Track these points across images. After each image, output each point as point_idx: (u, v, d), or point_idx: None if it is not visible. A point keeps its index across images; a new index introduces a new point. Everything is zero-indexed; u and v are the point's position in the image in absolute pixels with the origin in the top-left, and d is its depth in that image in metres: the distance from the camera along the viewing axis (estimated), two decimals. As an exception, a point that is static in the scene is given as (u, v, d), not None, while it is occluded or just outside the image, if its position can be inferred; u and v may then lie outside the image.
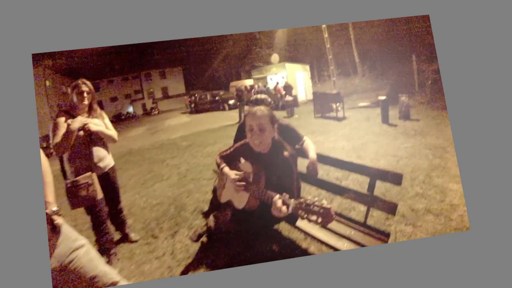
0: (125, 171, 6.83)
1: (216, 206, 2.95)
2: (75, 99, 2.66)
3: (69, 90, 2.72)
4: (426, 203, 3.25)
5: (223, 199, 2.37)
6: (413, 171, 4.32)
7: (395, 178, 2.05)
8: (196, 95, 28.49)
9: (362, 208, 3.15)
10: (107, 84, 52.26)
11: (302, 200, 1.57)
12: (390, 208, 2.06)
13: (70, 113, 2.63)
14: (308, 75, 23.67)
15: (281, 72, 21.46)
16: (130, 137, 15.10)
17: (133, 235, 3.25)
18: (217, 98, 24.28)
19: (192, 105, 26.96)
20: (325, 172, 4.36)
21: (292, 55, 31.47)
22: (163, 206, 4.16)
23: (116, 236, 3.20)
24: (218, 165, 2.29)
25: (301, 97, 21.31)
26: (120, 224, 3.16)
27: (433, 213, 3.03)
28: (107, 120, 2.92)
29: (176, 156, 7.57)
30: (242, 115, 12.77)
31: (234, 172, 2.14)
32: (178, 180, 5.40)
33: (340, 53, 26.87)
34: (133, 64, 53.71)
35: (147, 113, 47.28)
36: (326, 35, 16.30)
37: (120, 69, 54.55)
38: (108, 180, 2.82)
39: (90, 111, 2.78)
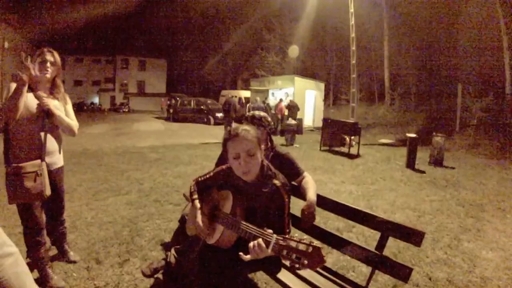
0: (75, 174, 6.77)
1: (180, 239, 2.97)
2: (36, 68, 2.66)
3: (29, 59, 2.70)
4: (449, 272, 3.24)
5: (190, 232, 2.37)
6: (437, 231, 4.35)
7: (414, 237, 2.00)
8: (177, 98, 28.89)
9: (365, 269, 3.16)
10: (73, 62, 52.49)
11: (287, 236, 1.54)
12: (402, 273, 1.99)
13: (29, 86, 2.63)
14: (322, 96, 23.31)
15: (287, 88, 20.98)
16: (89, 135, 15.05)
17: (72, 254, 3.19)
18: (202, 107, 24.55)
19: (171, 111, 27.43)
20: (323, 220, 4.40)
21: (305, 67, 31.68)
22: (115, 226, 4.12)
23: (52, 251, 3.15)
24: (191, 194, 2.29)
25: (308, 123, 21.41)
26: (58, 238, 3.11)
27: (457, 286, 3.02)
28: (69, 106, 2.94)
29: (141, 169, 7.58)
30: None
31: (202, 219, 2.12)
32: (139, 198, 5.38)
33: (367, 72, 27.04)
34: (109, 45, 54.33)
35: (115, 108, 47.22)
36: (353, 48, 16.38)
37: (92, 47, 54.88)
38: (52, 181, 2.76)
39: (52, 88, 2.81)
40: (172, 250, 2.81)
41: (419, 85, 23.03)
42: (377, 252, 2.11)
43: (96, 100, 53.02)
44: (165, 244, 3.64)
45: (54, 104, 2.72)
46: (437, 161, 9.52)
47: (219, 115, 21.66)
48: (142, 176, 6.92)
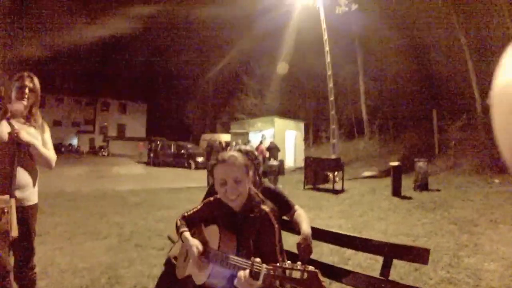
0: (50, 216, 6.38)
1: (167, 284, 2.72)
2: (13, 94, 2.51)
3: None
4: None
5: (181, 274, 2.17)
6: (435, 252, 4.28)
7: (420, 255, 1.91)
8: (158, 142, 28.70)
9: None
10: (54, 102, 52.02)
11: (278, 265, 1.40)
12: None
13: (2, 115, 2.45)
14: (302, 136, 23.59)
15: (267, 129, 21.17)
16: (67, 176, 14.57)
17: (41, 305, 2.87)
18: (183, 151, 24.62)
19: (151, 155, 27.17)
20: (316, 255, 4.18)
21: (284, 108, 32.06)
22: (91, 273, 3.78)
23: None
24: (178, 229, 2.13)
25: (289, 163, 21.34)
26: (27, 285, 2.77)
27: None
28: (47, 136, 2.73)
29: (121, 212, 7.24)
30: (210, 179, 12.70)
31: (197, 242, 1.99)
32: (118, 243, 5.06)
33: (345, 108, 27.52)
34: (91, 87, 54.37)
35: (94, 151, 46.55)
36: (330, 85, 16.94)
37: (74, 88, 54.77)
38: (22, 220, 2.45)
39: (29, 116, 2.61)
40: (157, 299, 2.54)
41: (395, 115, 23.65)
42: (383, 278, 1.99)
43: (74, 141, 52.19)
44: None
45: (29, 132, 2.51)
46: (422, 186, 9.76)
47: (200, 159, 21.56)
48: (123, 220, 6.58)
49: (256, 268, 1.46)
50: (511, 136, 0.53)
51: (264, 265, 1.44)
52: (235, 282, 1.54)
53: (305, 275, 1.29)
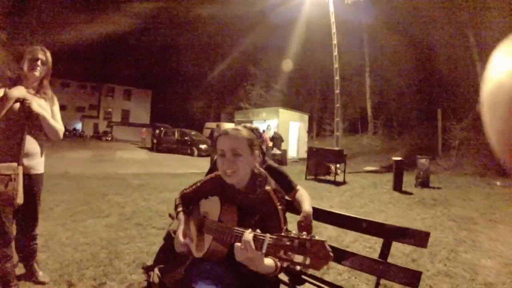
0: (53, 194, 6.42)
1: (165, 257, 2.74)
2: (25, 66, 2.52)
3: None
4: (452, 283, 3.24)
5: (178, 249, 2.16)
6: (433, 246, 4.33)
7: (419, 238, 1.88)
8: (162, 129, 28.65)
9: (365, 286, 3.11)
10: (59, 86, 51.89)
11: (282, 234, 1.30)
12: (410, 279, 1.84)
13: (15, 83, 2.47)
14: (305, 128, 23.42)
15: (271, 120, 21.16)
16: (71, 159, 14.66)
17: (41, 275, 2.87)
18: (186, 138, 24.60)
19: (155, 141, 27.17)
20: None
21: (289, 99, 31.99)
22: (92, 248, 3.82)
23: (19, 269, 2.83)
24: (176, 207, 2.12)
25: (291, 154, 21.34)
26: (28, 255, 2.79)
27: (463, 295, 2.98)
28: (56, 108, 2.76)
29: (123, 193, 7.27)
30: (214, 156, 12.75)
31: (189, 232, 1.96)
32: (119, 221, 5.08)
33: (351, 103, 27.44)
34: (96, 72, 54.18)
35: (98, 136, 46.58)
36: (337, 77, 16.85)
37: (79, 72, 54.53)
38: (28, 188, 2.50)
39: (39, 88, 2.64)
40: (156, 270, 2.56)
41: (400, 112, 23.49)
42: (381, 260, 1.96)
43: (79, 126, 52.25)
44: (147, 268, 3.35)
45: (39, 103, 2.54)
46: (423, 183, 9.79)
47: (203, 146, 21.53)
48: (124, 200, 6.61)
49: (260, 237, 1.37)
50: (504, 137, 0.52)
51: (268, 235, 1.35)
52: (235, 253, 1.44)
53: (312, 245, 1.20)
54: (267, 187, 1.82)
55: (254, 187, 1.83)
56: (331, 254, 1.17)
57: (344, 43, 21.49)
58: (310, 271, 1.99)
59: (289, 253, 1.24)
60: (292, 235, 1.27)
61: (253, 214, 1.79)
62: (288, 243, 1.26)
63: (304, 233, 1.27)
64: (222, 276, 1.73)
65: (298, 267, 1.23)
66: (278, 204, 1.78)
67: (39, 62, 2.55)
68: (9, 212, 2.39)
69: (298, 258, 1.22)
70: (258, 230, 1.44)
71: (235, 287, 1.71)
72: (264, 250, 1.32)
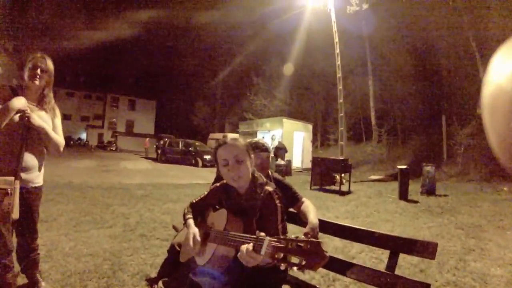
0: (57, 204, 6.42)
1: (169, 270, 2.70)
2: (26, 75, 2.48)
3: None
4: None
5: (184, 257, 2.14)
6: (441, 255, 4.25)
7: (427, 249, 1.82)
8: (166, 139, 28.81)
9: None
10: (64, 95, 52.22)
11: (281, 236, 1.38)
12: None
13: (16, 92, 2.43)
14: (310, 137, 23.31)
15: (275, 130, 21.07)
16: (75, 168, 14.71)
17: (43, 285, 2.82)
18: (191, 149, 24.38)
19: (159, 151, 27.18)
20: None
21: (293, 109, 32.04)
22: (95, 259, 3.77)
23: (20, 279, 2.79)
24: (184, 215, 2.15)
25: (296, 164, 21.26)
26: (29, 265, 2.74)
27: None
28: (58, 120, 2.70)
29: (127, 204, 7.25)
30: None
31: (196, 231, 1.98)
32: (123, 232, 5.05)
33: (354, 112, 27.43)
34: (101, 82, 54.54)
35: (102, 146, 46.74)
36: (340, 87, 16.87)
37: (84, 82, 54.92)
38: (24, 201, 2.44)
39: (41, 99, 2.59)
40: (160, 283, 2.54)
41: (404, 120, 23.46)
42: (389, 272, 1.92)
43: (83, 136, 52.51)
44: (150, 279, 3.30)
45: (39, 115, 2.49)
46: (429, 191, 9.70)
47: (207, 157, 21.46)
48: (128, 211, 6.58)
49: (259, 241, 1.45)
50: (504, 139, 0.53)
51: (267, 237, 1.42)
52: (238, 255, 1.52)
53: (308, 246, 1.26)
54: (268, 188, 1.96)
55: (256, 189, 1.97)
56: (327, 255, 1.24)
57: (347, 52, 21.57)
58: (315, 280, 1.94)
59: (287, 255, 1.31)
60: (290, 237, 1.34)
61: (254, 214, 1.91)
62: (285, 245, 1.33)
63: (302, 235, 1.35)
64: (226, 281, 1.83)
65: (295, 268, 1.27)
66: (277, 202, 1.92)
67: (38, 70, 2.49)
68: (7, 225, 2.33)
69: (295, 259, 1.29)
70: (261, 233, 1.50)
71: None
72: (263, 253, 1.40)
